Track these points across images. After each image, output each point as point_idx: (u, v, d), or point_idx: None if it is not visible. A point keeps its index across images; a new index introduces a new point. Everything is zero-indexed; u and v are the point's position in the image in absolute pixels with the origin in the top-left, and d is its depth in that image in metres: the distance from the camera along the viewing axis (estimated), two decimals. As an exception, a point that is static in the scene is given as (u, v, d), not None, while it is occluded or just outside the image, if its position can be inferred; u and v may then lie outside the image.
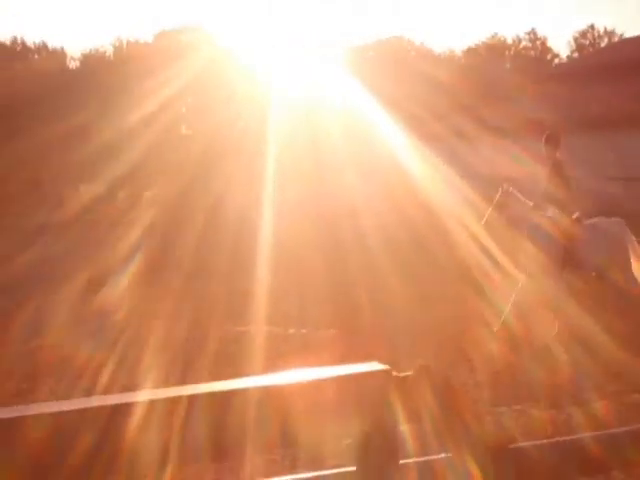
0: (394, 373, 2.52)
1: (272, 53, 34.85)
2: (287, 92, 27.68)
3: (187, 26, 46.28)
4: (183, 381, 9.49)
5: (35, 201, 23.70)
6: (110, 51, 50.19)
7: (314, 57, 32.88)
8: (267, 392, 2.27)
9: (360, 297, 12.70)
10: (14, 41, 52.30)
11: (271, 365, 8.25)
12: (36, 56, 51.92)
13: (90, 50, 50.52)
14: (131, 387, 9.53)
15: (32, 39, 53.08)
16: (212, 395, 1.97)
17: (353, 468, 2.40)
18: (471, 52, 54.80)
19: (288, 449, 2.51)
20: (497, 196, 10.10)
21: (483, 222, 10.09)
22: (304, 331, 11.43)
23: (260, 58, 34.78)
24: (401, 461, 2.46)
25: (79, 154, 28.56)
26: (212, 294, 14.22)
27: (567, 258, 9.96)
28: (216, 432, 1.93)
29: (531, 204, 10.21)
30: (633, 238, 10.24)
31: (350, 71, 30.45)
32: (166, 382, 9.63)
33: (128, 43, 49.89)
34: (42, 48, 52.40)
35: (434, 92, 28.20)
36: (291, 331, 11.54)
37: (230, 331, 11.80)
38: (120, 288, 15.52)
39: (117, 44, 50.51)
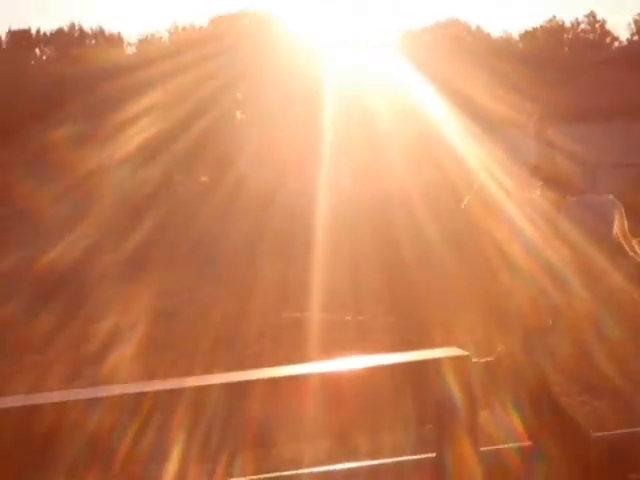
0: (474, 359, 2.49)
1: (328, 38, 34.76)
2: (343, 77, 27.59)
3: (242, 11, 46.39)
4: (241, 367, 9.56)
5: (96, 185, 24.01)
6: (166, 36, 50.62)
7: (370, 41, 32.72)
8: (337, 378, 2.25)
9: (417, 285, 12.64)
10: (72, 27, 53.02)
11: (331, 352, 8.25)
12: (93, 41, 52.54)
13: (146, 35, 51.01)
14: (188, 373, 9.64)
15: (89, 25, 53.48)
16: (273, 381, 1.95)
17: (433, 455, 2.38)
18: (528, 36, 54.02)
19: (361, 436, 2.50)
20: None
21: (462, 205, 10.09)
22: (361, 318, 11.41)
23: (316, 43, 34.72)
24: (482, 448, 2.43)
25: (136, 139, 28.86)
26: (268, 280, 14.29)
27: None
28: (273, 419, 1.91)
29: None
30: (623, 217, 10.03)
31: (406, 56, 30.25)
32: (223, 368, 9.71)
33: (183, 28, 50.23)
34: (99, 34, 53.01)
35: (491, 77, 27.86)
36: (348, 318, 11.54)
37: (286, 318, 11.85)
38: (177, 273, 15.70)
39: (172, 29, 50.91)
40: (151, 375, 9.09)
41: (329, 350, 8.54)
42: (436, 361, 2.45)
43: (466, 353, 2.49)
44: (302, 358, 7.97)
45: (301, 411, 2.02)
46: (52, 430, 1.55)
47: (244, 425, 1.76)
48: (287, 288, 13.30)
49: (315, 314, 11.65)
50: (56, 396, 1.88)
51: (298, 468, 3.31)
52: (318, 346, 9.25)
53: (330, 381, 2.27)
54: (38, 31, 51.55)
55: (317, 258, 14.01)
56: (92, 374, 9.41)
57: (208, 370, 9.04)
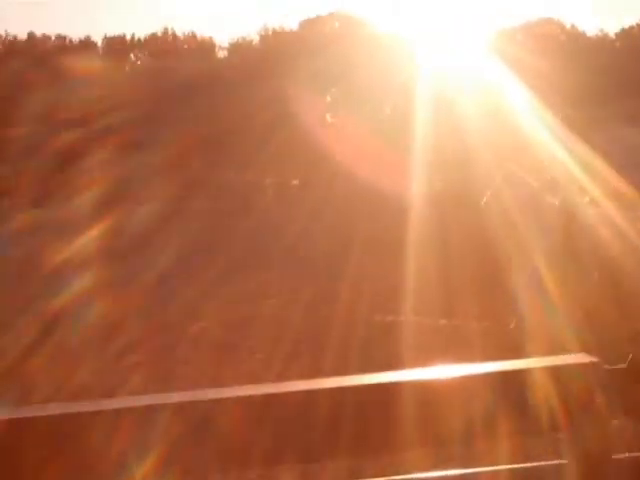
0: (605, 366, 2.45)
1: (418, 38, 34.58)
2: (434, 78, 27.42)
3: (331, 13, 46.54)
4: (335, 371, 9.57)
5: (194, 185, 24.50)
6: (256, 40, 51.12)
7: (462, 41, 32.40)
8: (464, 381, 2.25)
9: (510, 288, 12.44)
10: (165, 32, 54.07)
11: (434, 357, 8.20)
12: (185, 46, 53.48)
13: (237, 39, 51.60)
14: (284, 377, 9.72)
15: (182, 30, 54.47)
16: (380, 386, 1.91)
17: (565, 461, 2.36)
18: (625, 34, 52.61)
19: (484, 443, 2.48)
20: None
21: (483, 202, 9.93)
22: (456, 322, 11.29)
23: (406, 43, 34.58)
24: (614, 455, 2.40)
25: (229, 142, 29.27)
26: (361, 282, 14.30)
27: None
28: (367, 425, 1.86)
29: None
30: None
31: (499, 55, 29.86)
32: (317, 371, 9.74)
33: (274, 32, 50.65)
34: (191, 38, 53.91)
35: (587, 76, 27.31)
36: (442, 322, 11.42)
37: (380, 321, 11.80)
38: (272, 275, 15.83)
39: (263, 33, 51.38)
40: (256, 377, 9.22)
41: (429, 355, 8.49)
42: (568, 367, 2.43)
43: (597, 360, 2.47)
44: (409, 364, 7.95)
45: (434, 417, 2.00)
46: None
47: (339, 431, 1.74)
48: (380, 290, 13.27)
49: (409, 317, 11.59)
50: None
51: (406, 473, 3.30)
52: (420, 351, 9.20)
53: (459, 386, 2.25)
54: (132, 37, 52.81)
55: (409, 259, 13.94)
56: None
57: (311, 375, 9.11)
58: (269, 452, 1.67)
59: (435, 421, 1.86)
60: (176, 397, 1.67)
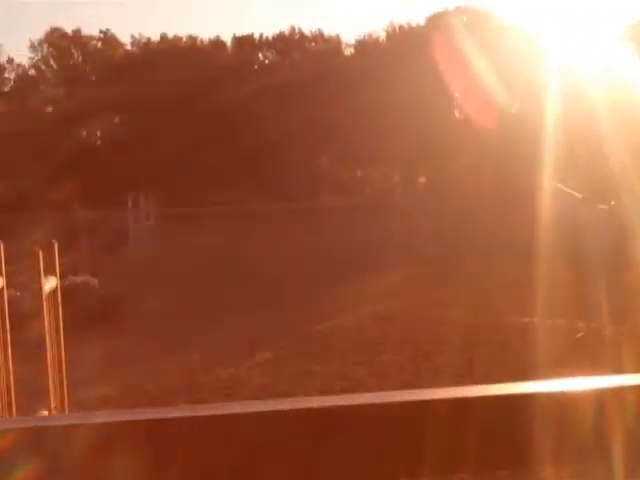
0: None
1: (547, 31, 33.76)
2: (565, 71, 26.73)
3: (459, 7, 46.03)
4: (475, 374, 9.48)
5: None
6: (383, 36, 51.13)
7: (596, 34, 31.41)
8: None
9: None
10: (292, 31, 54.77)
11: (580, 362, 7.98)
12: (312, 44, 54.03)
13: (364, 36, 51.77)
14: (418, 377, 9.71)
15: (309, 28, 54.97)
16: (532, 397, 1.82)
17: None
18: None
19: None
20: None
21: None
22: (594, 325, 10.97)
23: (535, 37, 33.83)
24: None
25: (355, 138, 29.41)
26: (497, 282, 14.13)
27: None
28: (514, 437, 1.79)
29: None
30: None
31: (633, 47, 28.83)
32: (453, 374, 9.67)
33: (400, 27, 50.54)
34: (318, 36, 54.40)
35: None
36: (580, 324, 11.12)
37: (515, 322, 11.58)
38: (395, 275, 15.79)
39: (390, 29, 51.35)
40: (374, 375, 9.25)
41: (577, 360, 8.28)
42: None
43: None
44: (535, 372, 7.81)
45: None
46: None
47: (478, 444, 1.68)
48: (512, 291, 13.06)
49: (544, 319, 11.33)
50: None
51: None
52: (566, 355, 8.99)
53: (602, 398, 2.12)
54: (261, 35, 53.75)
55: (544, 261, 13.62)
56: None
57: (450, 375, 9.07)
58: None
59: (571, 435, 1.78)
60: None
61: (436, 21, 45.47)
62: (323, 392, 9.00)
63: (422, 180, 27.93)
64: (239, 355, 11.03)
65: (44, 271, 6.63)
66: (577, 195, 13.87)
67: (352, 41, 52.08)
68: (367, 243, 17.27)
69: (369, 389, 9.11)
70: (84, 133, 50.69)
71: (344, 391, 9.05)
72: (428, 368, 9.76)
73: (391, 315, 13.24)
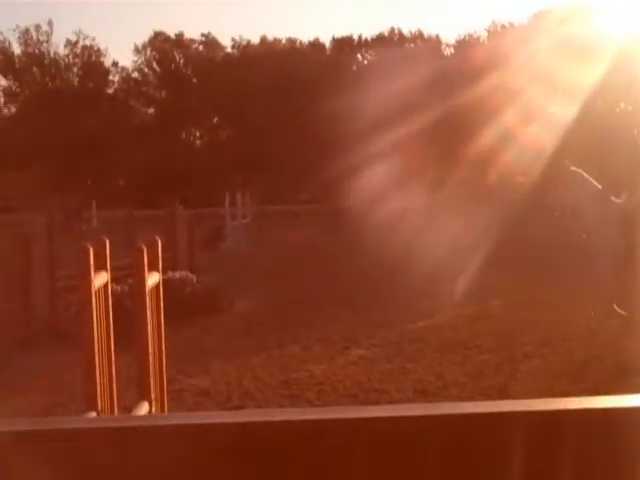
0: None
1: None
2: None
3: (565, 5, 45.05)
4: (572, 376, 9.30)
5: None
6: (484, 36, 50.51)
7: None
8: None
9: None
10: (391, 32, 54.61)
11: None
12: (412, 45, 53.78)
13: (464, 36, 51.24)
14: (513, 378, 9.59)
15: (409, 28, 54.71)
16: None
17: None
18: None
19: None
20: None
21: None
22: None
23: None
24: None
25: (458, 136, 29.14)
26: (577, 283, 13.82)
27: None
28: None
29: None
30: None
31: None
32: (550, 376, 9.50)
33: (502, 27, 49.79)
34: (418, 37, 54.13)
35: None
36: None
37: (605, 324, 11.28)
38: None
39: (491, 29, 50.67)
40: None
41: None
42: None
43: None
44: None
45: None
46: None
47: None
48: (596, 291, 12.68)
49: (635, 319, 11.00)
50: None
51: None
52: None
53: None
54: (360, 37, 53.83)
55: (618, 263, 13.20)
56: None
57: (548, 378, 8.94)
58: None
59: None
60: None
61: (541, 19, 44.56)
62: (417, 391, 8.99)
63: (520, 180, 27.45)
64: (333, 351, 11.10)
65: (147, 267, 6.84)
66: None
67: (452, 41, 51.71)
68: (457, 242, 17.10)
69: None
70: (183, 134, 51.81)
71: (439, 390, 9.03)
72: (525, 370, 9.64)
73: (487, 315, 13.13)
